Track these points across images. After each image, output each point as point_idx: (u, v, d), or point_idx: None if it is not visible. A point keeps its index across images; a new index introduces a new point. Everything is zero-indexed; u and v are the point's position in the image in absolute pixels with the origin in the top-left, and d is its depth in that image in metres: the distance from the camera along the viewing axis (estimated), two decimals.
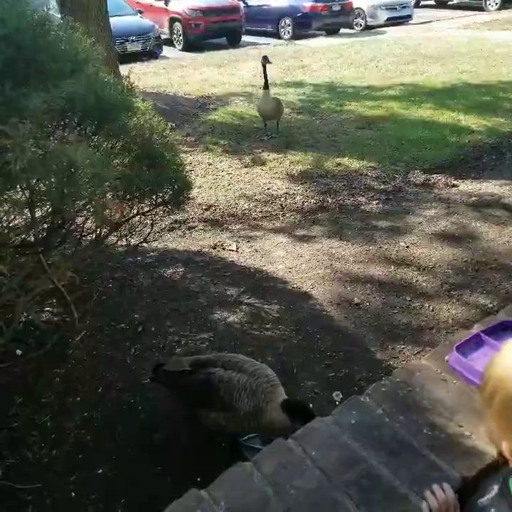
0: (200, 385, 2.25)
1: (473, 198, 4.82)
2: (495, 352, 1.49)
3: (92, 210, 2.05)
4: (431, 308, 3.36)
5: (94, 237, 2.97)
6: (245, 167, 5.71)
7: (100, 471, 2.33)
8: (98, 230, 2.91)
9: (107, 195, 2.78)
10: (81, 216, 2.92)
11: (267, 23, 15.71)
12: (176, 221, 4.54)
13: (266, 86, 6.26)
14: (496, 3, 17.70)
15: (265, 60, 6.28)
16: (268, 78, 6.31)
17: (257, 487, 1.31)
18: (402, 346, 3.06)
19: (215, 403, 2.21)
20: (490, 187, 5.02)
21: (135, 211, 3.15)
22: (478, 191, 4.95)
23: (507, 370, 0.87)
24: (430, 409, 1.51)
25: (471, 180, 5.25)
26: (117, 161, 2.92)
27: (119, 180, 2.69)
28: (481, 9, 17.83)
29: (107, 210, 2.60)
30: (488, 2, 17.94)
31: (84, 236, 3.11)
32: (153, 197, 3.10)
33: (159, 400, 2.66)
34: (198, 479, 2.13)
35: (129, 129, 2.83)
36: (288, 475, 1.34)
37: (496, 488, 0.99)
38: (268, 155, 5.99)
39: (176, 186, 3.02)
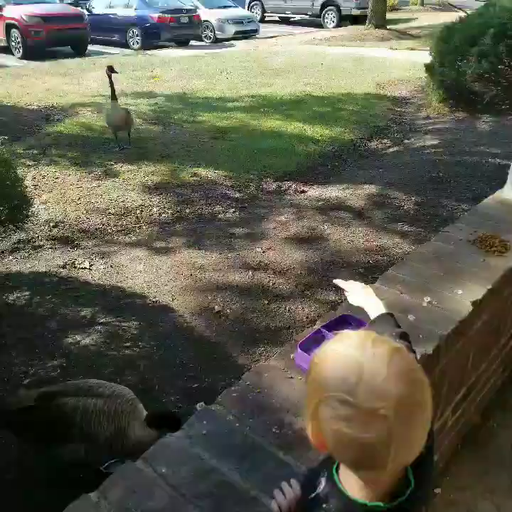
0: (51, 419, 2.10)
1: (321, 203, 5.14)
2: None
3: None
4: (287, 308, 3.50)
5: None
6: (97, 180, 5.46)
7: None
8: None
9: None
10: None
11: (114, 33, 15.38)
12: (19, 241, 4.19)
13: (113, 96, 6.10)
14: (333, 22, 19.28)
15: (110, 70, 6.11)
16: (115, 88, 6.15)
17: None
18: (262, 349, 3.14)
19: (72, 435, 2.08)
20: (334, 191, 5.40)
21: None
22: (324, 196, 5.30)
23: (320, 353, 0.90)
24: (278, 408, 1.55)
25: (318, 185, 5.61)
26: None
27: None
28: (320, 26, 19.30)
29: None
30: (326, 20, 19.47)
31: None
32: None
33: (7, 437, 2.41)
34: None
35: None
36: (137, 498, 1.28)
37: (323, 480, 1.00)
38: (121, 166, 5.81)
39: (12, 203, 2.79)
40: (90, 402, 2.09)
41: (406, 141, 7.10)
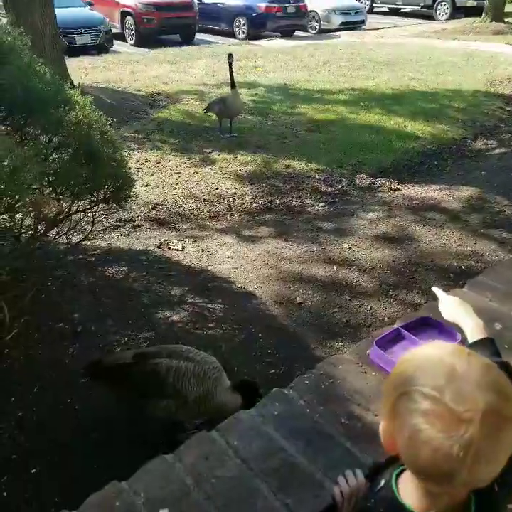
0: (147, 375, 2.30)
1: (414, 202, 5.00)
2: (413, 346, 1.58)
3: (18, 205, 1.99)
4: (369, 306, 3.48)
5: (31, 234, 2.90)
6: (194, 166, 5.69)
7: (34, 470, 2.31)
8: (35, 226, 2.85)
9: (44, 190, 2.73)
10: (18, 212, 2.86)
11: (221, 22, 15.67)
12: (121, 219, 4.50)
13: (233, 84, 6.29)
14: (446, 13, 18.39)
15: (230, 58, 6.30)
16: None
17: (177, 478, 1.34)
18: (340, 344, 3.15)
19: (166, 391, 2.27)
20: (430, 191, 5.22)
21: (75, 208, 3.10)
22: (419, 195, 5.15)
23: (410, 354, 0.89)
24: (349, 399, 1.59)
25: (413, 184, 5.44)
26: (56, 155, 2.86)
27: (55, 176, 2.65)
28: (431, 18, 18.50)
29: (41, 206, 2.55)
30: (438, 12, 18.63)
31: (23, 233, 3.03)
32: (94, 193, 3.07)
33: (98, 399, 2.64)
34: None
35: (68, 124, 2.78)
36: (209, 465, 1.38)
37: (382, 482, 0.99)
38: (218, 155, 6.00)
39: (116, 183, 3.00)
40: (182, 364, 2.27)
41: None
